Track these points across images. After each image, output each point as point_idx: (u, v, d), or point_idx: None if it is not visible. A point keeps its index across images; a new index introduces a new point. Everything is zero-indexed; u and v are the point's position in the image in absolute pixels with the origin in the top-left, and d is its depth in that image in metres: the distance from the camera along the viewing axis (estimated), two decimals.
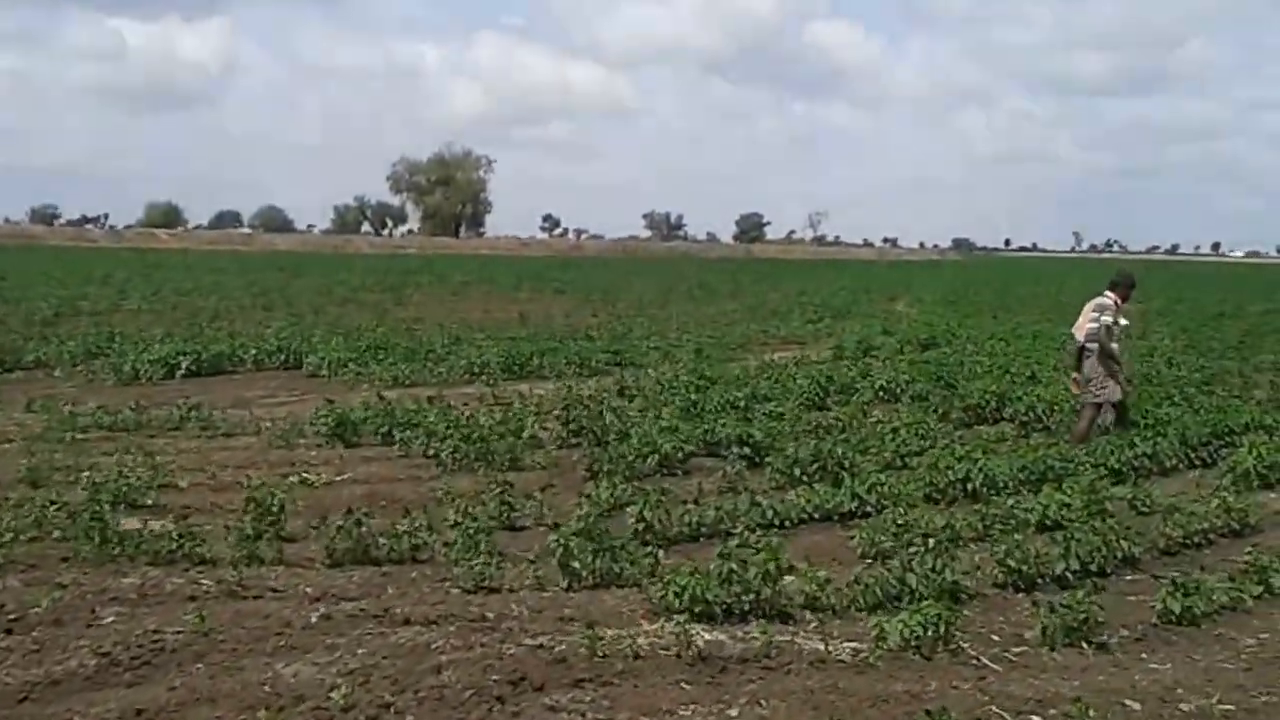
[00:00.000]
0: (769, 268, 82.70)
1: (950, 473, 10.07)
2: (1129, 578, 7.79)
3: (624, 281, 51.09)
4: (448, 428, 11.69)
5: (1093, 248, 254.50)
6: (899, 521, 8.17)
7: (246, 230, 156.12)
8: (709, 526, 8.52)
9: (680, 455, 11.01)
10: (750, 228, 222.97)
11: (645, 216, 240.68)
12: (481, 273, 55.46)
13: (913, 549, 7.07)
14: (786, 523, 8.92)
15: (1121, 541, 7.88)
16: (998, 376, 16.77)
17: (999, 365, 17.96)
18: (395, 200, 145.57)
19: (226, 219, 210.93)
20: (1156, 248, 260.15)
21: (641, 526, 8.16)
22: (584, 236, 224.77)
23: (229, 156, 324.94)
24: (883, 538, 8.03)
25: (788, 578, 7.05)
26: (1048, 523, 8.92)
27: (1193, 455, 12.02)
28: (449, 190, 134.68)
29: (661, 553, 7.63)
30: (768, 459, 10.95)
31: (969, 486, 10.05)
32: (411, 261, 73.56)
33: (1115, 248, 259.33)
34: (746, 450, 11.28)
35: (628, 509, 8.57)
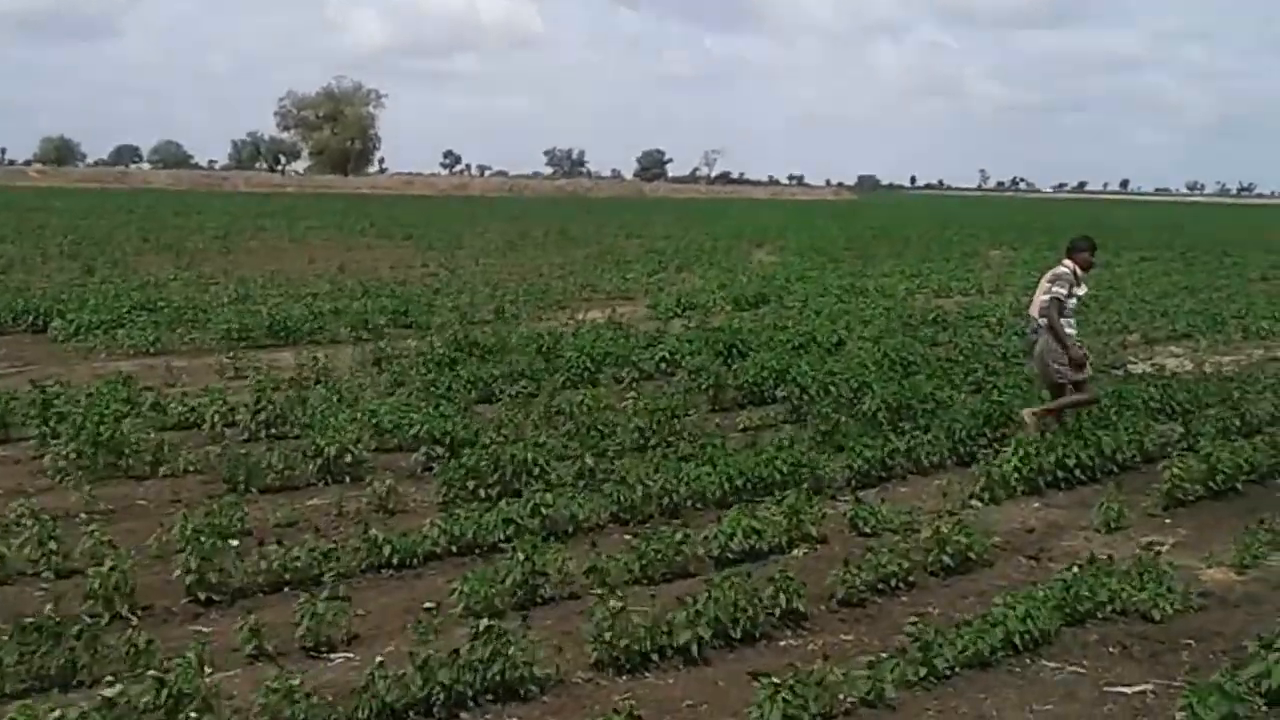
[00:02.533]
0: (654, 208, 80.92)
1: (646, 485, 8.51)
2: (785, 642, 6.29)
3: (486, 225, 49.06)
4: (99, 420, 9.80)
5: (1000, 185, 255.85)
6: (526, 564, 6.57)
7: (122, 168, 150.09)
8: (297, 572, 6.85)
9: (350, 458, 9.29)
10: (651, 165, 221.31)
11: (546, 153, 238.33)
12: (339, 216, 52.83)
13: (462, 636, 5.45)
14: (412, 561, 7.29)
15: (781, 594, 6.38)
16: (795, 346, 15.34)
17: (805, 331, 16.50)
18: (285, 136, 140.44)
19: (125, 154, 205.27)
20: (1064, 185, 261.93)
21: (192, 579, 6.48)
22: (488, 173, 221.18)
23: (132, 88, 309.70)
24: (498, 591, 6.47)
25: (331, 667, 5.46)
26: (730, 556, 7.43)
27: (962, 451, 10.65)
28: (337, 126, 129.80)
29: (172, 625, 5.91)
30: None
31: (669, 502, 8.53)
32: (280, 201, 70.42)
33: (1022, 185, 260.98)
34: (439, 450, 9.67)
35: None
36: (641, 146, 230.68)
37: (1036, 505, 9.37)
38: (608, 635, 5.61)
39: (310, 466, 9.11)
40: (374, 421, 10.36)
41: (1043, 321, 10.75)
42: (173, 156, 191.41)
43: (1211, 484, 9.56)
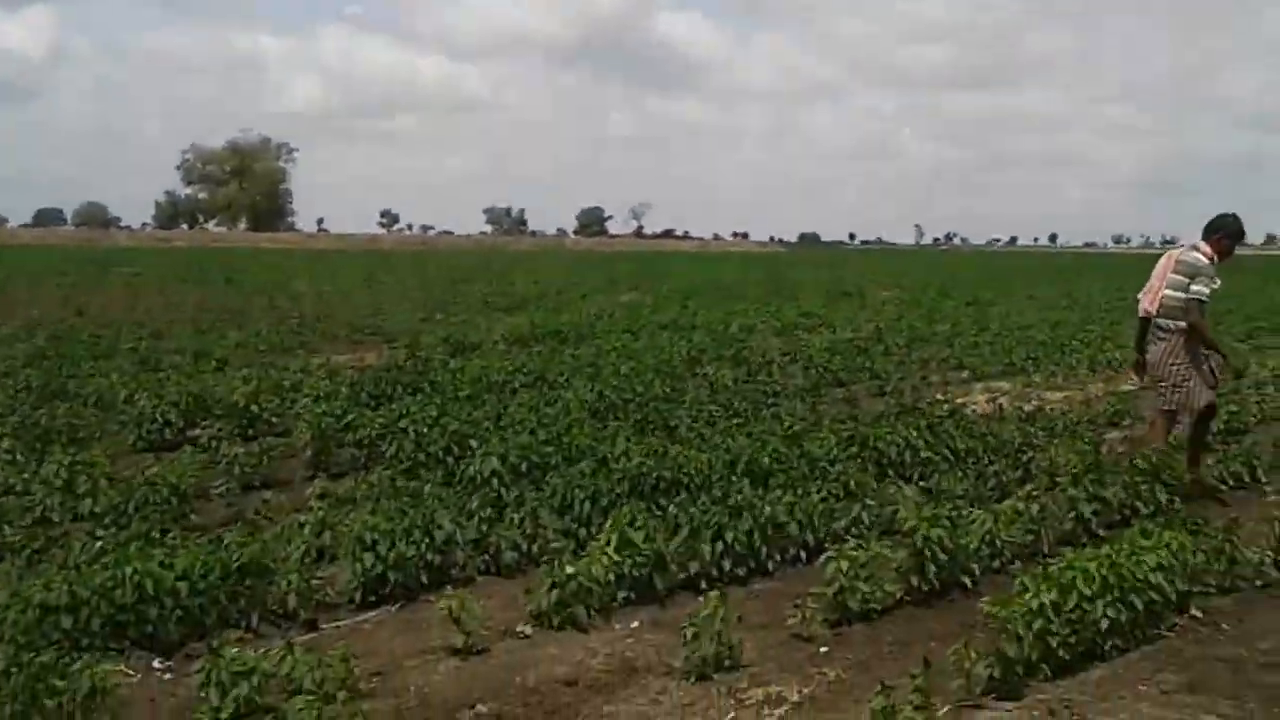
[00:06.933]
0: (566, 259, 76.98)
1: None
2: None
3: (342, 274, 45.24)
4: None
5: (935, 240, 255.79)
6: None
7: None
8: None
9: None
10: (591, 222, 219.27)
11: (486, 212, 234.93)
12: (179, 268, 48.33)
13: None
14: None
15: None
16: (514, 388, 11.72)
17: (534, 369, 12.75)
18: (188, 191, 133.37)
19: (47, 217, 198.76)
20: (997, 240, 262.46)
21: None
22: (431, 232, 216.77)
23: (57, 151, 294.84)
24: None
25: None
26: None
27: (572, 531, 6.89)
28: (245, 180, 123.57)
29: None
30: None
31: None
32: (139, 255, 65.49)
33: (957, 240, 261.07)
34: None
35: None
36: (577, 205, 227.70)
37: (635, 625, 5.65)
38: None
39: None
40: None
41: (1168, 324, 8.12)
42: (95, 219, 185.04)
43: (915, 581, 5.84)
